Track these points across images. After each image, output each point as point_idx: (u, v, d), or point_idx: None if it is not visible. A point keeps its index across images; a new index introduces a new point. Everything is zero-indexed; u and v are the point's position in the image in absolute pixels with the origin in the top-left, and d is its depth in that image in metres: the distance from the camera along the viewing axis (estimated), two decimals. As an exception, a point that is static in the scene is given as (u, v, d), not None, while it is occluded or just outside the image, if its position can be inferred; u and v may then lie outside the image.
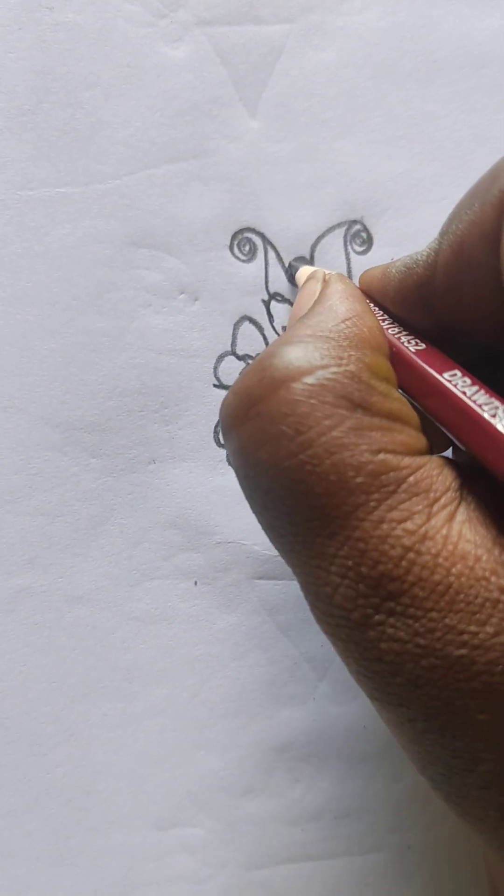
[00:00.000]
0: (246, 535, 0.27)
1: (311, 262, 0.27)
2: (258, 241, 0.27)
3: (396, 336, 0.19)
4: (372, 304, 0.20)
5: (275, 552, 0.27)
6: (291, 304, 0.27)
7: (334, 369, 0.16)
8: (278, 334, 0.27)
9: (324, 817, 0.27)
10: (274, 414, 0.16)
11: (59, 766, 0.26)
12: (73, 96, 0.26)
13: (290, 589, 0.27)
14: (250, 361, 0.27)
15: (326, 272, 0.21)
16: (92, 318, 0.26)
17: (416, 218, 0.28)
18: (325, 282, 0.20)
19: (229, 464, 0.27)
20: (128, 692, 0.26)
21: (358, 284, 0.21)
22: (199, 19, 0.27)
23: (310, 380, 0.15)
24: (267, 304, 0.27)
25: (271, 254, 0.27)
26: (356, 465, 0.15)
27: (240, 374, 0.27)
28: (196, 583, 0.27)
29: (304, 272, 0.25)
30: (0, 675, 0.26)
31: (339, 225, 0.27)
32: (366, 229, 0.28)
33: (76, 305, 0.26)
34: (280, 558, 0.27)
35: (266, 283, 0.27)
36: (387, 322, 0.20)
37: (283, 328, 0.27)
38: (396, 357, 0.18)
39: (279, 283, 0.27)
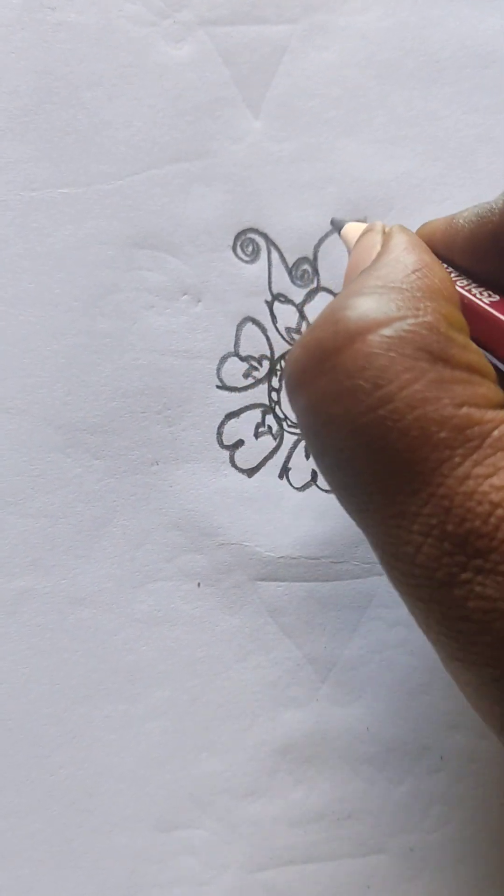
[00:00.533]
0: (249, 536, 0.27)
1: (314, 262, 0.27)
2: (261, 241, 0.27)
3: (466, 288, 0.18)
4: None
5: (278, 554, 0.27)
6: (294, 305, 0.27)
7: (412, 320, 0.15)
8: (281, 335, 0.27)
9: (326, 819, 0.27)
10: (350, 367, 0.15)
11: (61, 768, 0.26)
12: (76, 96, 0.26)
13: (294, 591, 0.27)
14: (253, 363, 0.27)
15: (384, 224, 0.20)
16: (94, 320, 0.26)
17: (419, 218, 0.28)
18: (387, 234, 0.19)
19: (233, 465, 0.27)
20: (130, 694, 0.26)
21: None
22: (202, 19, 0.27)
23: (387, 331, 0.15)
24: (270, 305, 0.27)
25: (274, 254, 0.27)
26: (440, 420, 0.14)
27: (248, 374, 0.27)
28: (199, 584, 0.27)
29: (354, 227, 0.24)
30: (2, 676, 0.26)
31: (342, 225, 0.27)
32: (369, 230, 0.27)
33: (78, 306, 0.26)
34: (283, 560, 0.27)
35: (269, 283, 0.27)
36: (454, 274, 0.19)
37: (287, 329, 0.27)
38: (468, 310, 0.18)
39: (282, 283, 0.27)
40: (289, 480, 0.27)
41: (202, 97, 0.27)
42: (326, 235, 0.27)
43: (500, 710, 0.15)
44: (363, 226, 0.21)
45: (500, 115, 0.28)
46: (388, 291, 0.16)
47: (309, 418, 0.16)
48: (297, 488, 0.27)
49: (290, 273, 0.27)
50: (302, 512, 0.27)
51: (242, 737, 0.27)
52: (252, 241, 0.27)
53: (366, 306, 0.15)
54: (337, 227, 0.25)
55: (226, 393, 0.27)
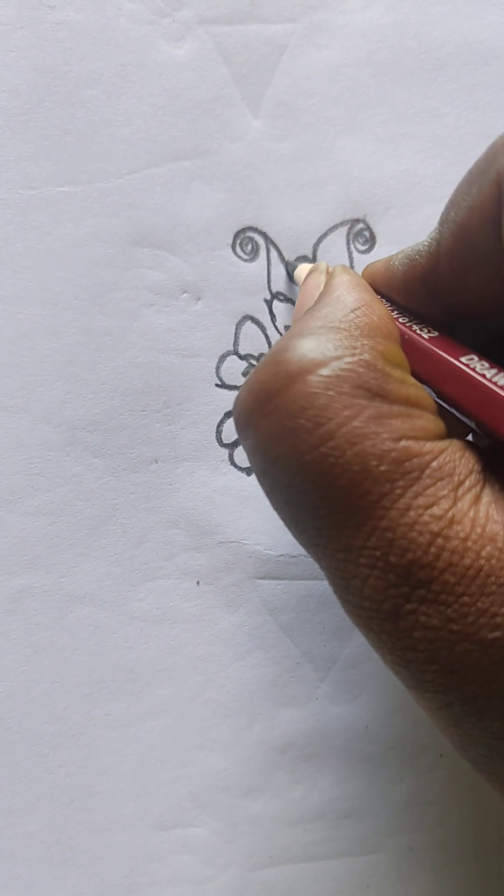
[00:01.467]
0: (248, 534, 0.27)
1: (313, 261, 0.27)
2: (260, 240, 0.27)
3: (408, 325, 0.19)
4: (378, 297, 0.20)
5: (277, 552, 0.27)
6: (294, 303, 0.27)
7: (349, 359, 0.16)
8: (281, 334, 0.27)
9: (325, 818, 0.27)
10: (292, 407, 0.15)
11: (61, 767, 0.26)
12: (75, 95, 0.26)
13: (293, 589, 0.27)
14: (252, 361, 0.27)
15: (328, 265, 0.21)
16: (94, 318, 0.26)
17: (419, 216, 0.28)
18: (329, 273, 0.19)
19: (232, 464, 0.27)
20: (130, 692, 0.26)
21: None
22: (202, 18, 0.27)
23: (325, 371, 0.15)
24: (269, 304, 0.27)
25: (273, 253, 0.27)
26: (379, 454, 0.15)
27: (247, 372, 0.27)
28: (198, 583, 0.27)
29: (303, 269, 0.25)
30: (2, 675, 0.26)
31: (341, 224, 0.27)
32: (368, 228, 0.27)
33: (78, 305, 0.26)
34: (282, 558, 0.27)
35: (268, 282, 0.27)
36: (395, 312, 0.20)
37: (286, 328, 0.27)
38: (409, 345, 0.18)
39: (281, 282, 0.27)
40: (288, 479, 0.27)
41: (202, 96, 0.27)
42: (326, 234, 0.27)
43: (457, 731, 0.15)
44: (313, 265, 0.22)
45: (500, 111, 0.28)
46: (328, 332, 0.16)
47: (257, 457, 0.16)
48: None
49: (288, 272, 0.27)
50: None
51: (242, 735, 0.27)
52: (251, 239, 0.27)
53: (305, 347, 0.16)
54: (291, 269, 0.26)
55: (225, 391, 0.27)
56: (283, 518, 0.17)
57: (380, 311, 0.17)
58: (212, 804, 0.27)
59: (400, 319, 0.19)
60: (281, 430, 0.15)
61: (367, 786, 0.27)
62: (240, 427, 0.17)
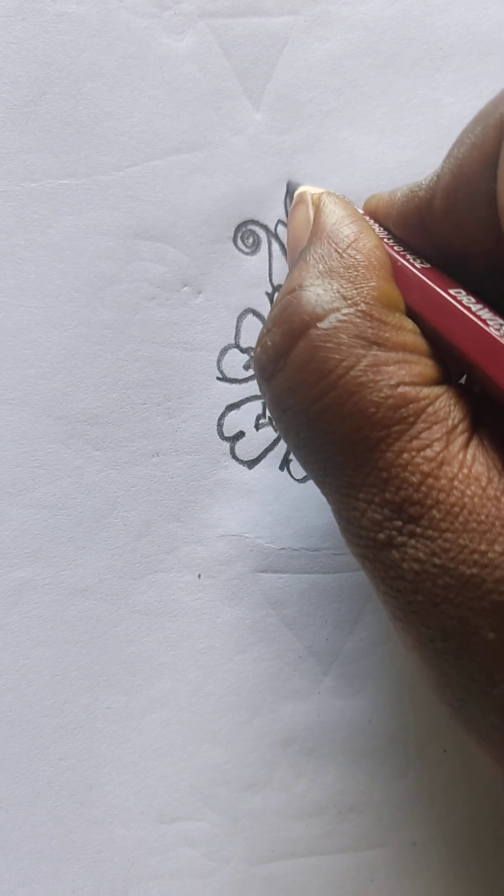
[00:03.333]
0: (249, 528, 0.27)
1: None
2: (262, 233, 0.27)
3: (401, 254, 0.19)
4: (375, 224, 0.21)
5: (279, 545, 0.27)
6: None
7: (346, 311, 0.16)
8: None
9: (328, 812, 0.27)
10: (298, 363, 0.17)
11: (61, 760, 0.26)
12: (76, 87, 0.26)
13: (295, 582, 0.27)
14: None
15: (314, 192, 0.21)
16: (95, 311, 0.26)
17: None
18: (316, 205, 0.20)
19: (233, 457, 0.27)
20: (131, 685, 0.26)
21: (363, 210, 0.21)
22: (203, 11, 0.27)
23: (324, 324, 0.16)
24: (271, 297, 0.27)
25: (275, 246, 0.27)
26: (376, 402, 0.16)
27: (249, 366, 0.27)
28: (199, 576, 0.27)
29: (304, 191, 0.25)
30: (3, 667, 0.26)
31: (343, 215, 0.27)
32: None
33: (79, 298, 0.26)
34: (284, 552, 0.27)
35: (270, 275, 0.27)
36: (391, 241, 0.20)
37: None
38: (401, 274, 0.18)
39: (283, 275, 0.27)
40: (289, 472, 0.27)
41: (203, 88, 0.27)
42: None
43: (437, 672, 0.15)
44: (314, 190, 0.22)
45: (504, 103, 0.28)
46: (324, 281, 0.17)
47: (273, 410, 0.18)
48: (297, 480, 0.27)
49: (289, 190, 0.27)
50: (303, 503, 0.27)
51: (244, 729, 0.27)
52: (253, 232, 0.27)
53: (304, 302, 0.17)
54: (291, 190, 0.25)
55: (226, 384, 0.27)
56: (297, 458, 0.18)
57: (372, 241, 0.18)
58: (213, 798, 0.26)
59: (395, 248, 0.19)
60: (290, 384, 0.17)
61: (371, 780, 0.27)
62: (258, 382, 0.18)
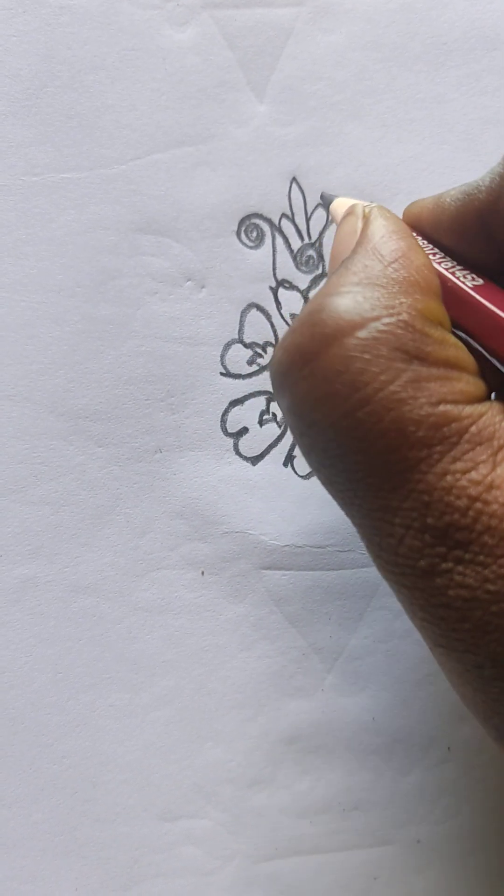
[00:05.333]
0: (253, 524, 0.27)
1: (319, 248, 0.27)
2: (266, 227, 0.27)
3: (451, 271, 0.18)
4: (421, 239, 0.19)
5: (282, 542, 0.27)
6: (299, 291, 0.27)
7: (387, 320, 0.15)
8: (286, 322, 0.27)
9: (332, 810, 0.27)
10: (328, 372, 0.15)
11: (64, 758, 0.26)
12: (78, 80, 0.26)
13: (299, 579, 0.27)
14: (258, 350, 0.27)
15: (366, 205, 0.19)
16: (97, 306, 0.26)
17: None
18: (366, 217, 0.18)
19: (237, 453, 0.27)
20: (134, 683, 0.26)
21: (403, 217, 0.20)
22: (206, 2, 0.26)
23: (363, 333, 0.15)
24: (275, 291, 0.27)
25: (279, 240, 0.27)
26: (416, 420, 0.15)
27: (252, 361, 0.27)
28: (203, 573, 0.27)
29: (340, 204, 0.23)
30: (5, 665, 0.26)
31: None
32: (375, 214, 0.27)
33: (81, 292, 0.26)
34: (287, 548, 0.27)
35: (274, 269, 0.27)
36: (438, 256, 0.19)
37: (292, 316, 0.27)
38: (451, 294, 0.17)
39: (287, 269, 0.27)
40: (293, 468, 0.27)
41: (206, 81, 0.26)
42: (332, 220, 0.27)
43: (483, 696, 0.15)
44: (351, 202, 0.21)
45: (508, 97, 0.28)
46: (364, 289, 0.16)
47: (293, 420, 0.16)
48: (301, 476, 0.27)
49: (294, 259, 0.27)
50: (307, 500, 0.27)
51: (247, 726, 0.27)
52: (256, 226, 0.27)
53: (342, 307, 0.16)
54: (326, 202, 0.24)
55: (230, 380, 0.27)
56: (319, 477, 0.17)
57: (419, 260, 0.17)
58: (217, 796, 0.26)
59: (444, 265, 0.18)
60: (317, 394, 0.15)
61: (375, 778, 0.27)
62: (276, 388, 0.17)
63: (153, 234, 0.26)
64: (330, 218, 0.26)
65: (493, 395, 0.18)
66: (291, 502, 0.27)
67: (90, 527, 0.26)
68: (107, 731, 0.26)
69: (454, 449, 0.15)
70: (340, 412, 0.15)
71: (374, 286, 0.16)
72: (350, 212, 0.20)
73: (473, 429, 0.15)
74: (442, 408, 0.15)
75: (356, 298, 0.16)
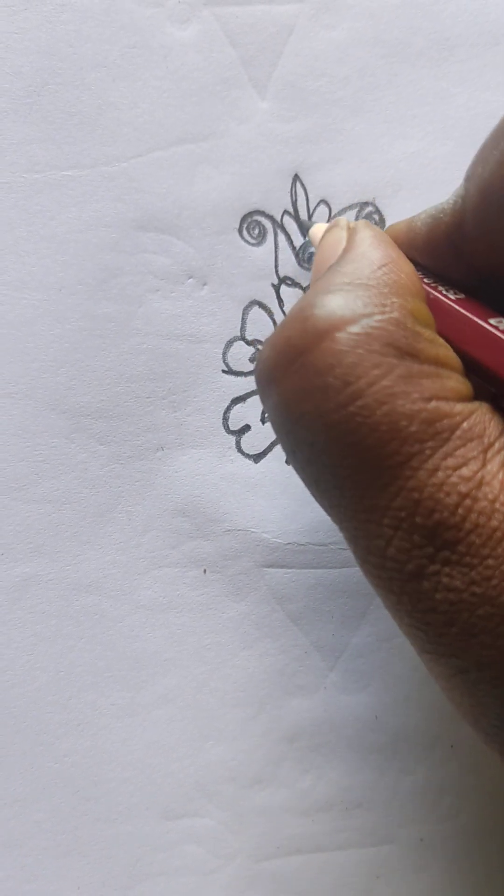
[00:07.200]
0: (255, 522, 0.27)
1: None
2: (268, 224, 0.27)
3: (432, 286, 0.18)
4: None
5: (285, 540, 0.27)
6: (302, 288, 0.27)
7: (379, 317, 0.15)
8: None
9: (334, 808, 0.27)
10: (320, 365, 0.15)
11: (66, 756, 0.26)
12: (80, 77, 0.26)
13: (301, 577, 0.27)
14: (260, 347, 0.27)
15: (349, 221, 0.20)
16: (99, 303, 0.26)
17: (429, 198, 0.27)
18: (352, 229, 0.19)
19: (239, 451, 0.27)
20: (136, 681, 0.26)
21: None
22: (207, -1, 0.26)
23: (355, 328, 0.15)
24: (277, 289, 0.27)
25: (281, 237, 0.27)
26: (409, 414, 0.15)
27: (255, 358, 0.27)
28: (205, 571, 0.27)
29: (320, 227, 0.24)
30: (7, 663, 0.26)
31: (350, 206, 0.27)
32: (378, 210, 0.27)
33: (83, 290, 0.26)
34: (290, 546, 0.27)
35: (276, 266, 0.27)
36: (420, 273, 0.19)
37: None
38: (434, 306, 0.18)
39: (289, 266, 0.27)
40: (296, 466, 0.27)
41: (208, 78, 0.26)
42: (334, 217, 0.27)
43: (470, 700, 0.15)
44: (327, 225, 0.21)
45: (512, 93, 0.28)
46: (355, 288, 0.16)
47: (280, 415, 0.16)
48: (304, 474, 0.27)
49: (297, 256, 0.27)
50: (309, 498, 0.27)
51: (249, 725, 0.27)
52: (259, 223, 0.27)
53: (334, 304, 0.16)
54: (305, 228, 0.25)
55: (232, 377, 0.27)
56: (303, 478, 0.16)
57: (407, 268, 0.17)
58: (218, 794, 0.26)
59: (425, 280, 0.19)
60: (307, 387, 0.15)
61: (377, 776, 0.27)
62: (262, 384, 0.16)
63: (155, 232, 0.26)
64: (308, 239, 0.26)
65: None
66: (294, 500, 0.27)
67: (91, 525, 0.26)
68: (108, 730, 0.26)
69: (445, 444, 0.15)
70: (331, 405, 0.15)
71: (365, 286, 0.16)
72: (335, 224, 0.20)
73: (465, 425, 0.15)
74: (434, 404, 0.15)
75: (347, 296, 0.16)
